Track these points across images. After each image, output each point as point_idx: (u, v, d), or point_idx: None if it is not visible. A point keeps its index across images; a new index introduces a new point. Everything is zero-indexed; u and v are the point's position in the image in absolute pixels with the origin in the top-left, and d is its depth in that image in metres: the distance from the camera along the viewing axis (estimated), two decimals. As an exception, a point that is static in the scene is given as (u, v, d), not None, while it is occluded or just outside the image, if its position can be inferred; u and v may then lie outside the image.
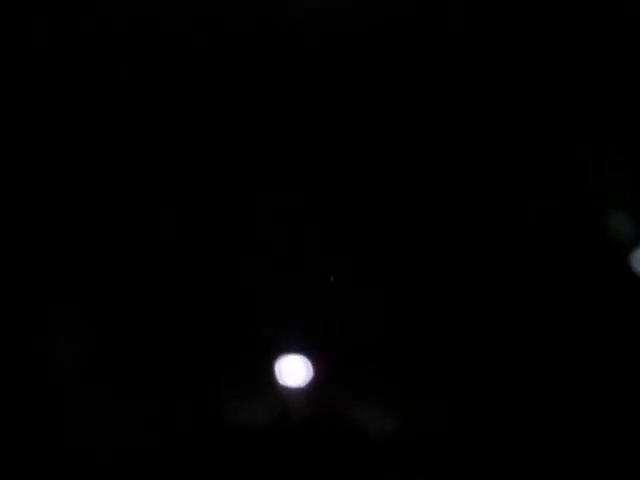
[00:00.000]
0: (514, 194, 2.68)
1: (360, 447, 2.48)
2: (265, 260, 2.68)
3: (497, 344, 2.63)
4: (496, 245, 2.67)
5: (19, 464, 2.26)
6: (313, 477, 2.41)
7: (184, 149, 2.60)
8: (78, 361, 2.44)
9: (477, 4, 2.52)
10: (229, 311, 2.60)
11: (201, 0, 2.44)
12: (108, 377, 2.47)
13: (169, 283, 2.60)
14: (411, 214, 2.72)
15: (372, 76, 2.61)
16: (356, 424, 2.56)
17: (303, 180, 2.66)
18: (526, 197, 2.67)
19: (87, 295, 2.51)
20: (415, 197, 2.72)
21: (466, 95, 2.63)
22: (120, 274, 2.54)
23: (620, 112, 2.58)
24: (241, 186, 2.68)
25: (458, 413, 2.56)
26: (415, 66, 2.61)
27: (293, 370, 2.61)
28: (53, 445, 2.34)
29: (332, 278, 2.69)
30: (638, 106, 2.56)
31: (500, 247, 2.67)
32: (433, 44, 2.58)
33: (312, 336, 2.61)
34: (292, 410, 2.57)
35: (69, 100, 2.45)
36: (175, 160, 2.59)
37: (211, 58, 2.53)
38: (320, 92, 2.61)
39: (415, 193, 2.71)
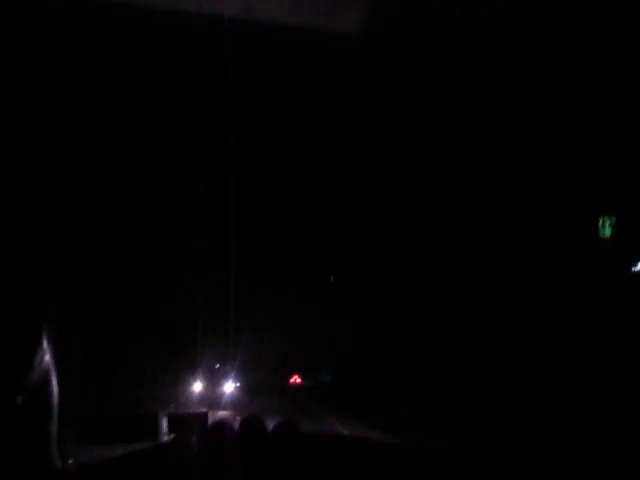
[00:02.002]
0: (514, 195, 2.69)
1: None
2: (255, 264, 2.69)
3: (490, 347, 2.63)
4: (495, 246, 2.68)
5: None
6: None
7: (184, 148, 2.61)
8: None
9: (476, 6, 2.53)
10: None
11: (200, 1, 2.44)
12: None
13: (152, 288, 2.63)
14: (410, 217, 2.73)
15: (371, 77, 2.62)
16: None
17: (303, 180, 2.67)
18: (526, 198, 2.68)
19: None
20: (414, 199, 2.72)
21: (466, 97, 2.64)
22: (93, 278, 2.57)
23: (620, 112, 2.58)
24: (241, 186, 2.69)
25: (454, 413, 2.56)
26: (414, 65, 2.61)
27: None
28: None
29: (332, 278, 2.70)
30: (638, 106, 2.57)
31: (499, 248, 2.68)
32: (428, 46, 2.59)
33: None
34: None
35: (69, 99, 2.46)
36: (174, 159, 2.60)
37: (211, 58, 2.54)
38: (320, 95, 2.61)
39: (414, 195, 2.72)
